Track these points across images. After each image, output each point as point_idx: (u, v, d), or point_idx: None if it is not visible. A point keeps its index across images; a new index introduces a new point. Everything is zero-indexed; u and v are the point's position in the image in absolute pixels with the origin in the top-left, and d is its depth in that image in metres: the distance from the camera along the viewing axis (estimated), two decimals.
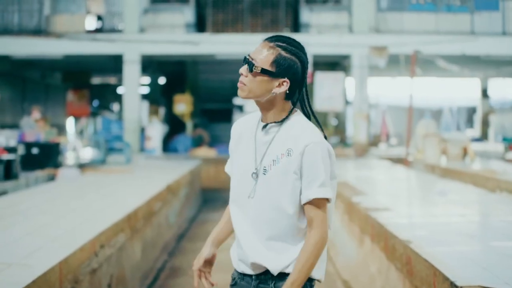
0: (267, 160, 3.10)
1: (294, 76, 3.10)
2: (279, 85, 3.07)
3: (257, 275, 3.17)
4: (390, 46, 23.46)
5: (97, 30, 25.32)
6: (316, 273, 3.15)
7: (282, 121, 3.14)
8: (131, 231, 8.16)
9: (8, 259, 5.08)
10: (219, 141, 30.90)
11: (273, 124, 3.14)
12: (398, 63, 24.19)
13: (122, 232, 7.56)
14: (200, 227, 13.80)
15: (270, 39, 3.10)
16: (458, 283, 4.20)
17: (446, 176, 15.46)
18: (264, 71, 3.04)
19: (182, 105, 27.93)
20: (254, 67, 3.05)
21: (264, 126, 3.16)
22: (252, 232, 3.15)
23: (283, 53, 3.05)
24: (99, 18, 25.95)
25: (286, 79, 3.06)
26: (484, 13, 24.85)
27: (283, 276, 3.10)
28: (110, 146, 23.12)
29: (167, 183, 12.34)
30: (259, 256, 3.12)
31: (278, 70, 3.05)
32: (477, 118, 37.27)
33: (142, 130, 24.98)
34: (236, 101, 34.01)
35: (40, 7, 24.57)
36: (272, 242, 3.11)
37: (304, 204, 3.10)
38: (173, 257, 10.69)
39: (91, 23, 25.76)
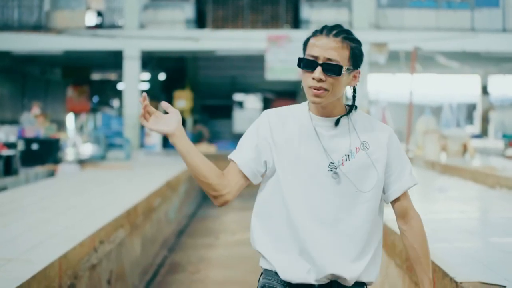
0: (337, 155, 2.87)
1: (361, 64, 2.96)
2: (354, 78, 2.93)
3: (321, 285, 2.89)
4: (390, 42, 23.45)
5: (97, 26, 25.31)
6: (367, 277, 2.99)
7: (347, 114, 2.95)
8: (130, 227, 8.16)
9: (8, 255, 5.08)
10: (219, 137, 30.95)
11: (336, 117, 2.91)
12: (398, 60, 24.19)
13: (121, 228, 7.56)
14: (200, 223, 13.80)
15: (334, 34, 2.80)
16: (457, 279, 4.20)
17: (446, 172, 15.46)
18: (347, 69, 2.83)
19: (182, 101, 27.93)
20: (342, 69, 2.78)
21: (325, 120, 2.91)
22: (328, 238, 2.85)
23: (353, 44, 2.86)
24: (99, 14, 25.94)
25: (359, 69, 2.92)
26: (484, 9, 24.84)
27: (357, 285, 2.94)
28: (110, 142, 23.12)
29: (166, 179, 12.35)
30: (336, 266, 2.83)
31: (355, 63, 2.87)
32: (477, 115, 37.26)
33: (142, 126, 24.92)
34: (236, 97, 34.03)
35: (40, 3, 24.56)
36: (350, 248, 2.88)
37: (396, 197, 3.01)
38: (173, 253, 10.69)
39: (91, 19, 25.75)
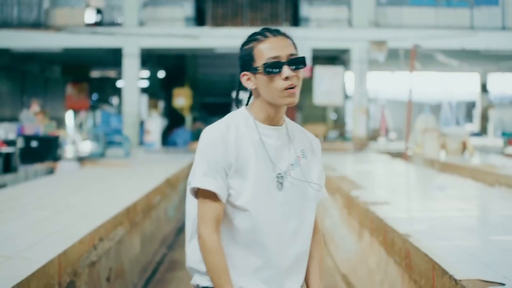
0: (284, 165, 2.83)
1: None
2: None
3: None
4: (390, 40, 23.47)
5: (97, 24, 25.31)
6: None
7: (285, 122, 2.90)
8: (130, 224, 8.16)
9: (7, 252, 5.09)
10: None
11: (280, 126, 2.86)
12: (397, 58, 24.18)
13: (121, 226, 7.57)
14: None
15: (279, 34, 2.79)
16: (457, 277, 4.21)
17: (445, 170, 15.47)
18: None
19: (182, 98, 27.94)
20: (305, 59, 2.79)
21: (272, 129, 2.83)
22: (284, 249, 2.82)
23: (293, 41, 2.85)
24: (99, 11, 25.94)
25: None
26: (484, 7, 24.86)
27: None
28: (109, 139, 23.15)
29: (166, 177, 12.35)
30: (288, 273, 2.84)
31: None
32: (477, 113, 37.27)
33: (141, 124, 25.01)
34: (235, 95, 34.01)
35: (39, 0, 24.58)
36: (300, 255, 2.88)
37: None
38: (172, 250, 10.69)
39: (90, 17, 25.74)
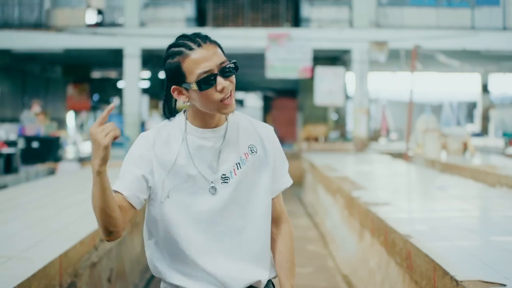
0: (225, 167, 2.78)
1: None
2: None
3: None
4: (391, 41, 23.46)
5: (98, 24, 25.33)
6: (272, 273, 2.96)
7: (226, 121, 2.84)
8: (131, 225, 8.17)
9: (8, 253, 5.09)
10: None
11: (219, 128, 2.80)
12: (398, 58, 24.18)
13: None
14: None
15: (204, 41, 2.70)
16: (458, 278, 4.21)
17: (446, 171, 15.47)
18: None
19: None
20: (237, 64, 2.74)
21: (209, 132, 2.79)
22: (220, 251, 2.78)
23: (217, 43, 2.80)
24: (100, 12, 25.96)
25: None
26: (485, 8, 24.83)
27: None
28: None
29: None
30: (232, 273, 2.77)
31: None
32: (477, 113, 37.26)
33: (142, 124, 25.04)
34: (236, 95, 33.99)
35: (40, 1, 24.56)
36: (249, 254, 2.82)
37: (273, 197, 2.94)
38: None
39: (91, 17, 25.77)
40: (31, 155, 16.74)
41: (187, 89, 2.69)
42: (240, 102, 35.40)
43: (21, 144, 16.50)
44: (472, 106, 42.08)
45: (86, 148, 25.80)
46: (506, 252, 5.15)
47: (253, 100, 36.34)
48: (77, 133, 33.14)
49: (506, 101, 37.58)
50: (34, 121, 19.23)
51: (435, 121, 22.34)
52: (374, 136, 31.98)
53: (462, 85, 38.05)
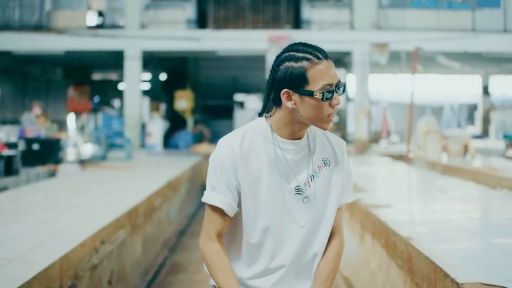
0: (300, 179, 2.82)
1: None
2: None
3: None
4: (391, 42, 23.48)
5: (98, 26, 25.34)
6: None
7: (306, 133, 2.88)
8: (131, 227, 8.16)
9: (9, 255, 5.09)
10: (220, 137, 30.75)
11: (300, 140, 2.84)
12: (399, 60, 24.21)
13: (122, 228, 7.56)
14: (201, 224, 13.71)
15: (329, 57, 2.71)
16: (459, 280, 4.20)
17: (447, 173, 15.46)
18: None
19: (183, 101, 27.96)
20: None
21: (291, 144, 2.81)
22: (295, 265, 2.87)
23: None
24: (100, 14, 25.96)
25: None
26: (486, 10, 24.85)
27: None
28: (110, 142, 23.13)
29: (167, 179, 12.35)
30: (298, 277, 2.88)
31: None
32: (478, 115, 37.28)
33: (143, 126, 25.02)
34: (237, 97, 33.98)
35: (41, 2, 24.58)
36: (311, 260, 2.91)
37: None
38: (174, 253, 10.70)
39: (92, 19, 25.78)
40: (32, 157, 16.71)
41: (300, 95, 2.68)
42: (240, 104, 35.31)
43: (21, 146, 16.47)
44: (473, 108, 42.08)
45: (86, 150, 25.78)
46: (507, 254, 5.14)
47: (254, 102, 36.26)
48: (77, 135, 33.12)
49: (507, 103, 37.58)
50: (35, 123, 19.22)
51: (436, 123, 22.38)
52: (374, 138, 31.97)
53: (463, 87, 38.05)
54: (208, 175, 2.84)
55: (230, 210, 2.79)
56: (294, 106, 2.70)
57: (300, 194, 2.80)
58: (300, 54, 2.67)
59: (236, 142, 2.81)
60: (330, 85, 2.64)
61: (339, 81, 2.68)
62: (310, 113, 2.69)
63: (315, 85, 2.65)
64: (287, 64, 2.69)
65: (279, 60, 2.73)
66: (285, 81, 2.70)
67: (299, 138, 2.82)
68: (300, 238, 2.82)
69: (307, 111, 2.69)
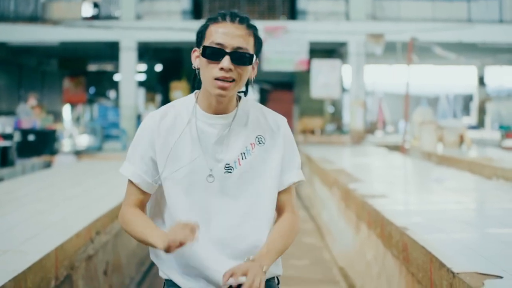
0: (229, 156, 2.70)
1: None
2: (253, 68, 2.74)
3: None
4: (387, 33, 23.47)
5: (94, 17, 25.29)
6: (278, 270, 2.86)
7: (236, 108, 2.78)
8: None
9: (3, 246, 5.07)
10: None
11: (227, 115, 2.74)
12: (394, 51, 24.20)
13: (118, 219, 7.55)
14: None
15: (239, 21, 2.62)
16: (454, 270, 4.20)
17: (443, 163, 15.47)
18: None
19: (179, 92, 27.93)
20: (253, 58, 2.65)
21: (216, 118, 2.72)
22: (215, 245, 2.69)
23: (255, 32, 2.69)
24: (96, 5, 25.90)
25: (257, 60, 2.74)
26: (481, 0, 24.85)
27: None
28: (106, 133, 23.16)
29: None
30: (223, 269, 2.58)
31: (257, 52, 2.72)
32: (474, 106, 37.33)
33: (139, 117, 25.01)
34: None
35: None
36: (246, 249, 2.70)
37: (280, 190, 2.82)
38: None
39: (87, 10, 25.73)
40: (27, 148, 16.71)
41: (204, 55, 2.63)
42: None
43: (17, 137, 16.47)
44: (468, 98, 42.13)
45: (82, 141, 25.77)
46: (503, 244, 5.14)
47: (250, 93, 36.28)
48: (73, 126, 33.12)
49: (502, 93, 37.64)
50: (30, 114, 19.19)
51: (432, 113, 22.36)
52: (370, 129, 32.01)
53: (459, 77, 38.11)
54: (130, 146, 2.81)
55: (142, 183, 2.73)
56: (198, 67, 2.70)
57: (230, 172, 2.69)
58: (213, 16, 2.67)
59: (159, 115, 2.76)
60: (220, 44, 2.58)
61: (238, 47, 2.59)
62: (202, 74, 2.66)
63: (207, 41, 2.62)
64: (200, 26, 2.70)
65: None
66: (196, 41, 2.72)
67: (224, 113, 2.73)
68: (231, 217, 2.70)
69: (201, 72, 2.66)
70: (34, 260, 4.55)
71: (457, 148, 19.40)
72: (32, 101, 20.14)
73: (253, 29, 2.67)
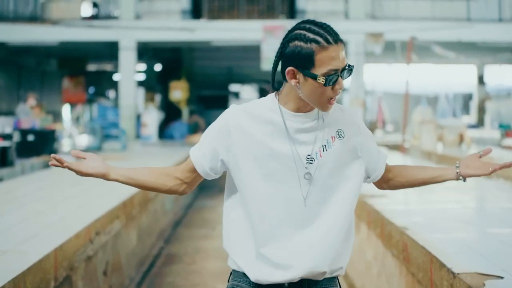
0: (312, 148, 2.77)
1: None
2: None
3: (292, 284, 2.79)
4: (386, 32, 23.45)
5: (93, 17, 25.27)
6: (341, 271, 2.90)
7: None
8: (126, 218, 8.14)
9: (3, 246, 5.07)
10: None
11: (311, 112, 2.80)
12: (394, 50, 24.18)
13: (117, 219, 7.55)
14: (196, 214, 13.79)
15: (340, 40, 2.66)
16: (454, 270, 4.19)
17: (442, 162, 15.46)
18: None
19: (178, 91, 27.92)
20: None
21: (300, 116, 2.78)
22: (305, 236, 2.76)
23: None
24: (95, 4, 25.89)
25: None
26: None
27: (328, 280, 2.86)
28: (106, 133, 23.12)
29: None
30: (307, 264, 2.72)
31: None
32: (473, 105, 37.30)
33: (138, 117, 25.01)
34: (232, 87, 33.96)
35: None
36: (330, 241, 2.78)
37: (383, 173, 3.04)
38: (169, 244, 10.69)
39: (86, 10, 25.72)
40: (27, 148, 16.66)
41: (305, 76, 2.65)
42: (235, 94, 35.33)
43: (16, 137, 16.42)
44: (468, 97, 42.10)
45: (81, 141, 25.74)
46: (503, 244, 5.14)
47: (249, 93, 36.28)
48: (72, 126, 33.07)
49: (502, 92, 37.61)
50: (30, 114, 19.15)
51: (431, 112, 22.37)
52: (370, 128, 31.80)
53: (458, 76, 38.07)
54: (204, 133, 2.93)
55: (200, 169, 2.88)
56: (297, 85, 2.68)
57: (312, 163, 2.76)
58: (311, 35, 2.64)
59: (241, 108, 2.83)
60: (336, 70, 2.62)
61: (347, 65, 2.66)
62: (311, 94, 2.67)
63: (320, 69, 2.62)
64: (297, 43, 2.67)
65: (289, 37, 2.72)
66: (292, 59, 2.69)
67: (309, 111, 2.79)
68: (303, 211, 2.76)
69: (308, 92, 2.67)
70: (33, 261, 4.55)
71: (456, 147, 19.39)
72: (32, 101, 20.11)
73: (342, 41, 2.71)
